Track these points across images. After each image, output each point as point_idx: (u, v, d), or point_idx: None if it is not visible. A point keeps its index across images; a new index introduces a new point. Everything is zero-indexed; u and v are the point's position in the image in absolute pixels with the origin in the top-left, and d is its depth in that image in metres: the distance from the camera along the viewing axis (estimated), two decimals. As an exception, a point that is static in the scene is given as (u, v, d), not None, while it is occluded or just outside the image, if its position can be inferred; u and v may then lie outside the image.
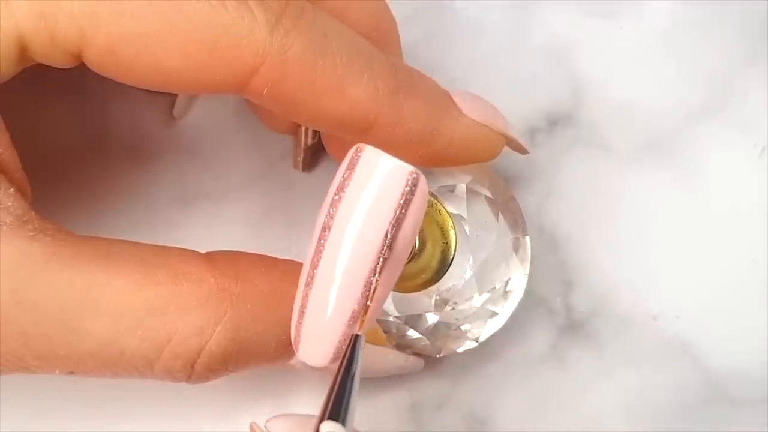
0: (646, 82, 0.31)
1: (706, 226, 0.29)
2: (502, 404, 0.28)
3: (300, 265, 0.20)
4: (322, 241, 0.19)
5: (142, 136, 0.30)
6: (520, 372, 0.28)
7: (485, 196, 0.26)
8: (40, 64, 0.21)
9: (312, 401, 0.28)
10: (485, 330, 0.26)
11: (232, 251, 0.23)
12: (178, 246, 0.22)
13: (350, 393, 0.18)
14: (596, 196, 0.30)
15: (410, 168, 0.19)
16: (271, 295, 0.22)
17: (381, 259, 0.19)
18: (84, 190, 0.29)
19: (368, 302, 0.19)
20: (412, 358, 0.26)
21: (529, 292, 0.26)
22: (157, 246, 0.22)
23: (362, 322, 0.20)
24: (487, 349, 0.28)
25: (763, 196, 0.29)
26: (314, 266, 0.19)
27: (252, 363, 0.22)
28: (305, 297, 0.20)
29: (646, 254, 0.29)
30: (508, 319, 0.26)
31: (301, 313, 0.20)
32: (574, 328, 0.29)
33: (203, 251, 0.22)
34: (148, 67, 0.20)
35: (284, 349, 0.22)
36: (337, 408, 0.18)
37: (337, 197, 0.19)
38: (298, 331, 0.20)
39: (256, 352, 0.22)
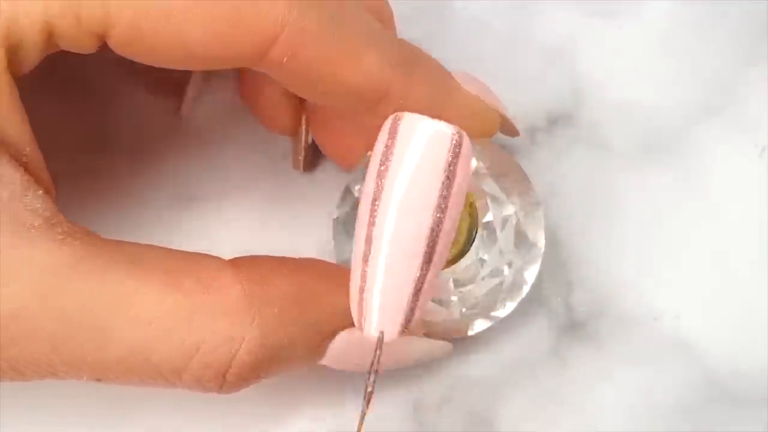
0: (646, 81, 0.31)
1: (707, 226, 0.29)
2: (502, 404, 0.28)
3: (322, 262, 0.20)
4: (375, 215, 0.19)
5: (142, 136, 0.30)
6: (521, 372, 0.28)
7: (495, 173, 0.26)
8: (41, 65, 0.21)
9: (313, 400, 0.28)
10: (506, 308, 0.26)
11: (254, 256, 0.23)
12: (202, 252, 0.22)
13: None
14: (596, 195, 0.30)
15: (452, 129, 0.19)
16: (298, 298, 0.22)
17: (438, 222, 0.19)
18: (84, 190, 0.29)
19: (430, 267, 0.19)
20: (441, 342, 0.26)
21: (529, 292, 0.26)
22: (182, 252, 0.22)
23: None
24: (487, 349, 0.28)
25: (763, 196, 0.29)
26: (369, 241, 0.19)
27: (283, 367, 0.22)
28: (364, 273, 0.20)
29: (647, 254, 0.29)
30: (509, 318, 0.26)
31: (362, 289, 0.20)
32: (574, 328, 0.29)
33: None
34: (172, 42, 0.20)
35: (314, 350, 0.22)
36: None
37: (383, 168, 0.19)
38: (361, 309, 0.20)
39: (287, 355, 0.22)
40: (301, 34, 0.21)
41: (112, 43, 0.21)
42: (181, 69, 0.23)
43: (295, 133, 0.29)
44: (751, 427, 0.28)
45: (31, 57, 0.21)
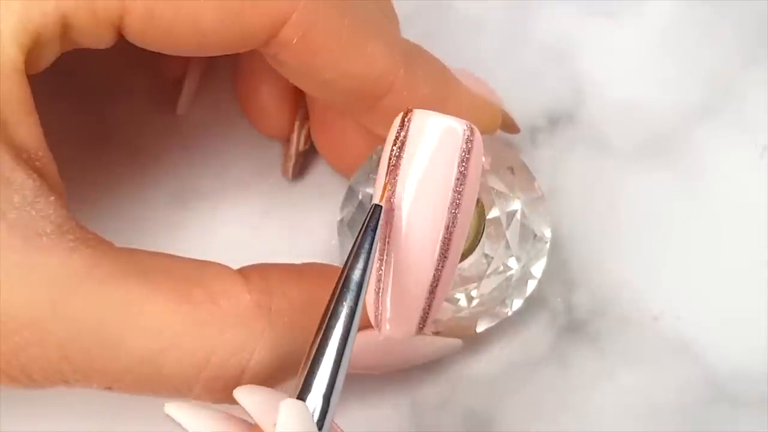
0: (646, 81, 0.31)
1: (707, 226, 0.29)
2: (502, 404, 0.28)
3: (329, 267, 0.20)
4: (389, 214, 0.19)
5: (141, 136, 0.30)
6: (521, 372, 0.28)
7: (498, 169, 0.26)
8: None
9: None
10: (514, 304, 0.26)
11: (262, 264, 0.23)
12: (213, 261, 0.22)
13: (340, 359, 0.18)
14: (597, 195, 0.30)
15: (464, 124, 0.19)
16: (306, 306, 0.22)
17: (453, 219, 0.19)
18: (83, 191, 0.28)
19: (446, 264, 0.19)
20: (450, 340, 0.26)
21: (532, 290, 0.26)
22: (193, 261, 0.22)
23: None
24: (487, 349, 0.28)
25: (763, 196, 0.29)
26: (384, 241, 0.19)
27: (294, 376, 0.22)
28: (380, 273, 0.20)
29: (647, 254, 0.29)
30: (510, 318, 0.26)
31: (378, 289, 0.20)
32: (574, 328, 0.29)
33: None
34: (186, 27, 0.20)
35: None
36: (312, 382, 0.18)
37: (394, 165, 0.19)
38: (377, 308, 0.20)
39: (297, 364, 0.22)
40: (313, 14, 0.21)
41: (128, 33, 0.21)
42: (193, 56, 0.22)
43: (287, 138, 0.29)
44: (751, 427, 0.28)
45: (48, 56, 0.21)
